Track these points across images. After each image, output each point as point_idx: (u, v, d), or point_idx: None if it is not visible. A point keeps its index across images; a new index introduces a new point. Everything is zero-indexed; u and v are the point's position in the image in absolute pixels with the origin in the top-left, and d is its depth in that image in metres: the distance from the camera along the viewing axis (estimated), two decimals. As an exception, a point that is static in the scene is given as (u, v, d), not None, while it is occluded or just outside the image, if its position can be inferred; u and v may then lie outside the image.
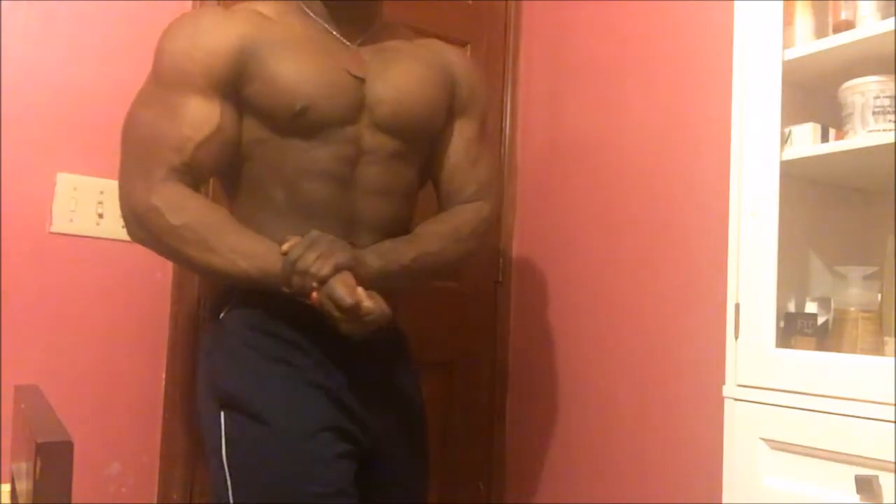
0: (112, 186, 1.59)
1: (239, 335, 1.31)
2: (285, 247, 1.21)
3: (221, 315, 1.33)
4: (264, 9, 1.34)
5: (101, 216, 1.60)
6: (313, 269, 1.18)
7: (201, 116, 1.25)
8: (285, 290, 1.21)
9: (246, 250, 1.22)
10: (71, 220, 1.58)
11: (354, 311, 1.17)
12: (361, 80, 1.33)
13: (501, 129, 2.19)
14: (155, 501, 1.64)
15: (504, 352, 2.16)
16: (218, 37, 1.28)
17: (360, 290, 1.19)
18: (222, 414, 1.27)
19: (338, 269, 1.19)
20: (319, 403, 1.27)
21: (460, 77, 1.47)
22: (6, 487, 1.04)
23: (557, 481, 1.98)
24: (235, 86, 1.28)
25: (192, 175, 1.26)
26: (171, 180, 1.23)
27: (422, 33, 2.01)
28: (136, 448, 1.63)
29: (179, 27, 1.30)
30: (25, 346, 1.52)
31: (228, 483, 1.23)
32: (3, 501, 1.05)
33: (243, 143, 1.31)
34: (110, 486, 1.60)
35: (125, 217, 1.26)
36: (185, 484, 1.66)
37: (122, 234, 1.61)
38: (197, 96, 1.25)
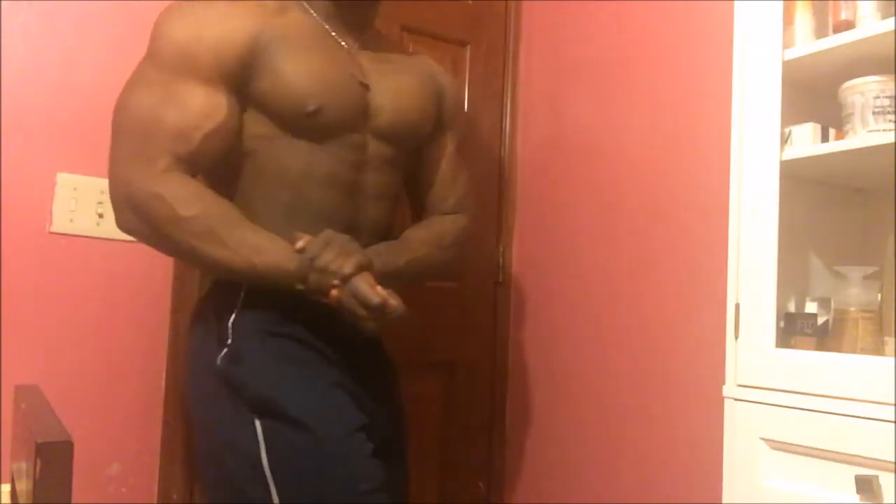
0: (112, 186, 1.61)
1: (257, 340, 1.27)
2: (300, 244, 1.20)
3: (231, 319, 1.28)
4: (267, 4, 1.32)
5: (101, 216, 1.60)
6: (333, 267, 1.18)
7: (209, 106, 1.22)
8: (299, 287, 1.20)
9: (257, 245, 1.20)
10: (71, 220, 1.58)
11: (381, 308, 1.18)
12: (366, 87, 1.35)
13: (501, 129, 2.18)
14: (155, 501, 1.64)
15: (504, 352, 2.16)
16: (228, 26, 1.24)
17: (379, 288, 1.20)
18: (258, 422, 1.21)
19: (360, 268, 1.20)
20: (347, 404, 1.27)
21: (447, 91, 1.52)
22: (6, 487, 1.04)
23: (557, 481, 1.98)
24: (242, 79, 1.25)
25: (193, 167, 1.22)
26: (176, 170, 1.19)
27: (422, 33, 2.03)
28: (136, 448, 1.63)
29: (183, 12, 1.25)
30: (25, 346, 1.52)
31: (273, 492, 1.20)
32: (3, 501, 1.05)
33: (245, 139, 1.28)
34: (110, 486, 1.60)
35: (117, 204, 1.22)
36: (185, 484, 1.65)
37: (123, 233, 1.62)
38: (203, 85, 1.22)
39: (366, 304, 1.18)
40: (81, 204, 1.59)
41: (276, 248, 1.21)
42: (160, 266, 1.65)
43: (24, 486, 0.79)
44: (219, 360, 1.26)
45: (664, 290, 1.75)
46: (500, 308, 2.16)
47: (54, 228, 1.57)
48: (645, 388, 1.77)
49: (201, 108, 1.21)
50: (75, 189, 1.58)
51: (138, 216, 1.20)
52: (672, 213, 1.74)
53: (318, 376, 1.27)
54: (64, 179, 1.57)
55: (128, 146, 1.20)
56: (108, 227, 1.61)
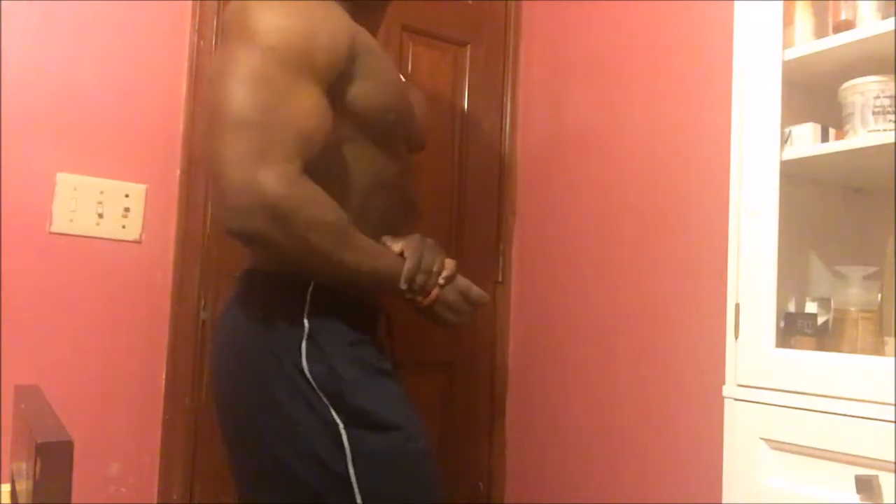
0: (111, 187, 1.61)
1: (341, 345, 1.23)
2: (397, 248, 1.25)
3: (305, 322, 1.22)
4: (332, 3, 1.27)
5: (101, 216, 1.60)
6: (436, 268, 1.27)
7: (323, 108, 1.16)
8: (403, 287, 1.24)
9: (369, 249, 1.21)
10: (71, 220, 1.58)
11: (485, 303, 1.33)
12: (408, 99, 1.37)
13: (501, 129, 2.18)
14: (155, 501, 1.64)
15: (504, 352, 2.16)
16: (338, 26, 1.20)
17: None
18: (344, 430, 1.17)
19: (456, 269, 1.30)
20: (415, 408, 1.28)
21: None
22: (6, 487, 1.04)
23: (557, 481, 1.98)
24: (339, 80, 1.20)
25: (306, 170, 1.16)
26: (305, 173, 1.13)
27: (422, 33, 2.03)
28: (136, 448, 1.63)
29: (288, 6, 1.17)
30: (25, 346, 1.52)
31: (359, 499, 1.17)
32: (3, 501, 1.05)
33: (328, 143, 1.20)
34: (110, 486, 1.60)
35: (244, 207, 1.08)
36: (185, 484, 1.66)
37: (122, 234, 1.63)
38: (316, 85, 1.15)
39: (477, 300, 1.32)
40: (81, 204, 1.59)
41: (383, 250, 1.25)
42: (160, 266, 1.66)
43: (24, 486, 0.79)
44: (306, 366, 1.20)
45: (664, 290, 1.75)
46: (500, 308, 2.16)
47: (54, 228, 1.57)
48: (645, 388, 1.77)
49: (319, 110, 1.16)
50: (75, 189, 1.58)
51: (276, 220, 1.10)
52: (672, 213, 1.74)
53: (395, 381, 1.27)
54: (64, 179, 1.58)
55: (251, 145, 1.09)
56: (108, 227, 1.61)
